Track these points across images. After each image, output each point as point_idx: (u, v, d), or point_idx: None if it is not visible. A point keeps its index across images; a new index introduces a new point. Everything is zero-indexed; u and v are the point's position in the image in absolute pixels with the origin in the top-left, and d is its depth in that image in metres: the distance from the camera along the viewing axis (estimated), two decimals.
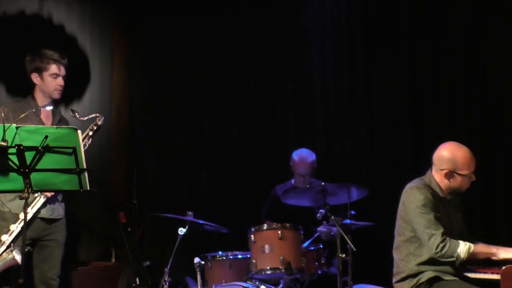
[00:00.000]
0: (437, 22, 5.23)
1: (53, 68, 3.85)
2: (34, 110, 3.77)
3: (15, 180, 2.93)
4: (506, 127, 4.95)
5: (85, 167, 2.96)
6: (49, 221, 3.82)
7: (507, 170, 4.93)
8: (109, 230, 5.59)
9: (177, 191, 5.86)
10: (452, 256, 3.32)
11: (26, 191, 2.91)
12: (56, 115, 3.98)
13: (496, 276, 3.29)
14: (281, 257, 4.04)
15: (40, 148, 2.87)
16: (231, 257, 4.35)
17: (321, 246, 4.36)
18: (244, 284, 4.07)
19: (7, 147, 2.84)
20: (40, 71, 3.84)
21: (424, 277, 3.41)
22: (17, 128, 2.87)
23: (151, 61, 6.01)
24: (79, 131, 2.96)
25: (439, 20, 5.22)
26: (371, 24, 5.44)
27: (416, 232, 3.44)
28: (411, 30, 5.29)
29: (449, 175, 3.46)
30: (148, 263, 5.31)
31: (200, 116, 5.87)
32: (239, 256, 4.36)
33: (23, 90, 4.01)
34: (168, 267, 4.19)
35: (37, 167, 2.90)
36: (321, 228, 4.51)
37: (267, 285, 4.16)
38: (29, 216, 3.50)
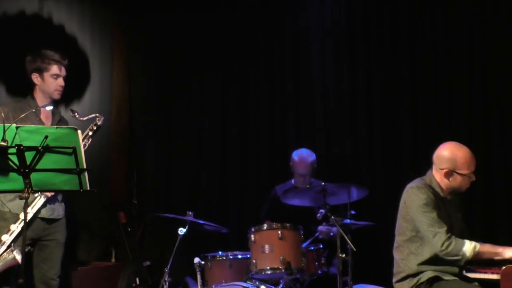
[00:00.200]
0: (437, 22, 5.23)
1: (54, 68, 3.85)
2: (34, 110, 3.78)
3: (15, 180, 2.93)
4: (506, 127, 4.95)
5: (85, 167, 2.96)
6: (49, 221, 3.83)
7: (507, 170, 4.93)
8: (109, 230, 5.59)
9: (177, 191, 5.86)
10: (458, 255, 3.32)
11: (26, 191, 2.91)
12: (55, 115, 3.98)
13: (496, 276, 3.29)
14: (281, 257, 4.04)
15: (40, 148, 2.87)
16: (231, 257, 4.35)
17: (321, 246, 4.36)
18: (244, 284, 4.07)
19: (7, 147, 2.84)
20: (41, 71, 3.84)
21: (424, 276, 3.41)
22: (17, 128, 2.87)
23: (151, 61, 6.01)
24: (79, 131, 2.96)
25: (439, 20, 5.22)
26: (371, 24, 5.44)
27: (417, 232, 3.44)
28: (411, 30, 5.29)
29: (449, 174, 3.46)
30: (148, 263, 5.31)
31: (200, 116, 5.87)
32: (239, 256, 4.36)
33: (23, 90, 4.01)
34: (168, 267, 4.19)
35: (37, 167, 2.90)
36: (321, 228, 4.51)
37: (267, 285, 4.16)
38: (29, 216, 3.50)
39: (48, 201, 3.75)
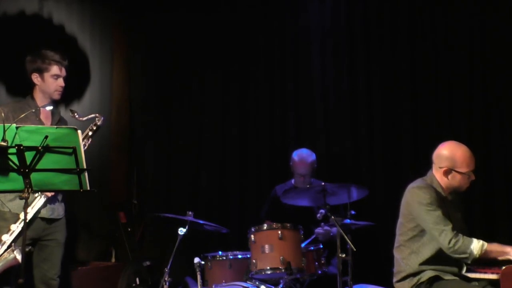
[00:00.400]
0: (437, 22, 5.23)
1: (55, 69, 3.85)
2: (33, 110, 3.77)
3: (15, 180, 2.93)
4: (506, 127, 4.95)
5: (85, 167, 2.96)
6: (49, 221, 3.83)
7: (507, 170, 4.93)
8: (109, 230, 5.59)
9: (177, 191, 5.86)
10: (465, 253, 3.31)
11: (26, 191, 2.91)
12: (55, 115, 3.98)
13: (496, 276, 3.29)
14: (281, 257, 4.04)
15: (40, 148, 2.87)
16: (231, 257, 4.35)
17: (321, 246, 4.36)
18: (244, 284, 4.07)
19: (7, 147, 2.84)
20: (41, 71, 3.84)
21: (425, 276, 3.41)
22: (17, 128, 2.87)
23: (151, 61, 6.01)
24: (79, 131, 2.96)
25: (439, 20, 5.22)
26: (371, 24, 5.44)
27: (418, 231, 3.44)
28: (411, 30, 5.29)
29: (448, 172, 3.47)
30: (148, 263, 5.31)
31: (200, 116, 5.87)
32: (239, 256, 4.36)
33: (23, 90, 4.01)
34: (168, 267, 4.19)
35: (37, 167, 2.90)
36: (318, 230, 4.51)
37: (267, 285, 4.15)
38: (29, 216, 3.50)
39: (48, 201, 3.75)
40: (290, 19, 5.72)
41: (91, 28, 5.56)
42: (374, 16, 5.43)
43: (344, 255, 3.86)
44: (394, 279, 3.57)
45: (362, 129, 5.41)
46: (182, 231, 4.21)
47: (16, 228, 3.54)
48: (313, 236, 4.51)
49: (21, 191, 2.92)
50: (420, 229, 3.45)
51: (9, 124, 2.85)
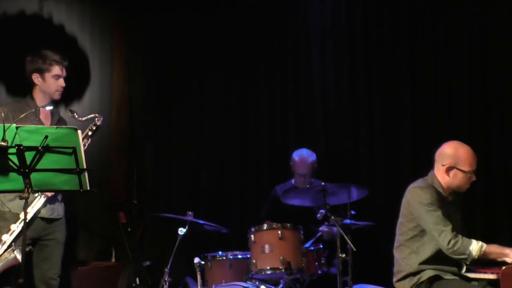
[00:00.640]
0: (437, 22, 5.23)
1: (56, 69, 3.85)
2: (33, 110, 3.77)
3: (15, 180, 2.93)
4: (506, 127, 4.95)
5: (85, 167, 2.96)
6: (49, 220, 3.83)
7: (507, 170, 4.93)
8: (109, 230, 5.60)
9: (177, 191, 5.86)
10: (464, 254, 3.32)
11: (26, 191, 2.91)
12: (54, 115, 3.98)
13: (496, 276, 3.29)
14: (281, 257, 4.04)
15: (40, 148, 2.87)
16: (231, 257, 4.35)
17: (321, 246, 4.36)
18: (244, 284, 4.07)
19: (7, 147, 2.84)
20: (42, 72, 3.83)
21: (425, 275, 3.41)
22: (17, 128, 2.87)
23: (151, 61, 6.01)
24: (79, 131, 2.96)
25: (439, 20, 5.22)
26: (371, 24, 5.44)
27: (419, 231, 3.45)
28: (411, 30, 5.29)
29: (450, 170, 3.47)
30: (148, 263, 5.31)
31: (200, 116, 5.87)
32: (239, 256, 4.36)
33: (23, 90, 4.00)
34: (168, 267, 4.19)
35: (37, 167, 2.90)
36: (323, 228, 4.51)
37: (267, 285, 4.15)
38: (29, 216, 3.50)
39: (48, 201, 3.75)
40: (290, 19, 5.72)
41: (91, 28, 5.56)
42: (374, 16, 5.43)
43: (344, 255, 3.86)
44: (394, 279, 3.57)
45: (362, 129, 5.41)
46: (182, 231, 4.22)
47: (16, 228, 3.54)
48: (318, 234, 4.51)
49: (21, 191, 2.92)
50: (420, 229, 3.45)
51: (9, 124, 2.85)
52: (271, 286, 4.15)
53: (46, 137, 2.88)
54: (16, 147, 2.85)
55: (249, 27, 5.80)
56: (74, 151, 2.91)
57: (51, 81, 3.85)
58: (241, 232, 4.55)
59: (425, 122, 5.21)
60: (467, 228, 3.70)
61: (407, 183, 3.63)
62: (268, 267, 4.07)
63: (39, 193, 3.66)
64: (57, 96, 3.91)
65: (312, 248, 4.30)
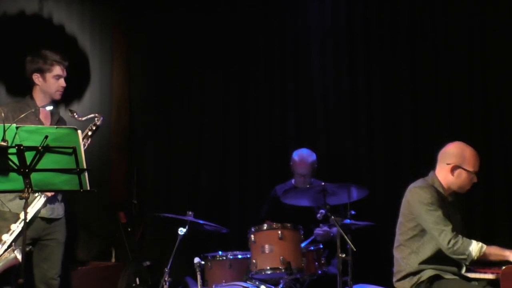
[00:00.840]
0: (437, 22, 5.23)
1: (57, 69, 3.85)
2: (33, 110, 3.77)
3: (15, 180, 2.93)
4: (506, 127, 4.96)
5: (85, 167, 2.96)
6: (49, 220, 3.83)
7: (507, 170, 4.93)
8: (109, 230, 5.59)
9: (177, 191, 5.86)
10: (464, 254, 3.32)
11: (26, 191, 2.91)
12: (54, 115, 3.98)
13: (496, 276, 3.29)
14: (281, 257, 4.04)
15: (40, 148, 2.87)
16: (231, 257, 4.35)
17: (321, 246, 4.36)
18: (244, 284, 4.07)
19: (7, 147, 2.84)
20: (42, 72, 3.83)
21: (425, 275, 3.41)
22: (17, 128, 2.87)
23: (151, 61, 6.01)
24: (79, 131, 2.96)
25: (439, 20, 5.22)
26: (371, 24, 5.44)
27: (419, 231, 3.45)
28: (411, 30, 5.29)
29: (455, 169, 3.48)
30: (148, 263, 5.31)
31: (200, 116, 5.87)
32: (239, 256, 4.35)
33: (23, 90, 4.01)
34: (168, 267, 4.19)
35: (37, 167, 2.90)
36: (317, 231, 4.51)
37: (267, 285, 4.15)
38: (29, 216, 3.50)
39: (48, 201, 3.75)
40: (290, 19, 5.72)
41: (91, 28, 5.56)
42: (374, 16, 5.43)
43: (344, 255, 3.86)
44: (394, 279, 3.57)
45: (362, 129, 5.41)
46: (182, 231, 4.21)
47: (16, 228, 3.54)
48: (312, 237, 4.51)
49: (21, 191, 2.92)
50: (420, 228, 3.46)
51: (9, 124, 2.85)
52: (271, 286, 4.15)
53: (46, 137, 2.88)
54: (16, 147, 2.85)
55: (249, 27, 5.80)
56: (74, 151, 2.91)
57: (51, 81, 3.85)
58: (241, 232, 4.55)
59: (425, 122, 5.21)
60: (466, 228, 3.71)
61: (407, 183, 3.63)
62: (268, 267, 4.07)
63: (39, 193, 3.66)
64: (57, 96, 3.91)
65: (312, 248, 4.30)
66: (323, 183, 4.22)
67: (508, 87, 4.95)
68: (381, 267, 4.66)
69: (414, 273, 3.45)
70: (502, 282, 3.21)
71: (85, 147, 3.74)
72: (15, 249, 3.47)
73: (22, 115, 3.47)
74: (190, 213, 4.29)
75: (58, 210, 3.89)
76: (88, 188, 3.00)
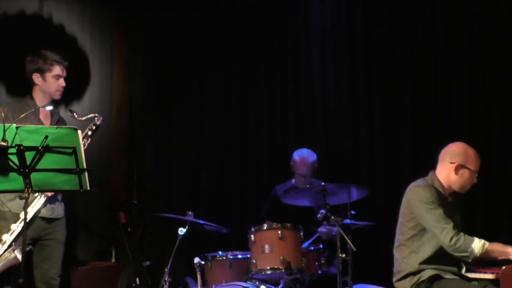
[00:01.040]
0: (437, 22, 5.23)
1: (57, 69, 3.85)
2: (33, 110, 3.77)
3: (15, 180, 2.93)
4: (506, 127, 4.96)
5: (85, 167, 2.96)
6: (49, 220, 3.83)
7: (507, 170, 4.93)
8: (109, 230, 5.59)
9: (177, 191, 5.86)
10: (466, 251, 3.30)
11: (26, 191, 2.90)
12: (54, 115, 3.98)
13: (496, 276, 3.29)
14: (281, 257, 4.04)
15: (40, 148, 2.87)
16: (231, 257, 4.35)
17: (321, 246, 4.36)
18: (244, 284, 4.07)
19: (7, 147, 2.84)
20: (42, 72, 3.83)
21: (425, 275, 3.41)
22: (17, 128, 2.87)
23: (151, 61, 6.01)
24: (79, 131, 2.96)
25: (439, 20, 5.22)
26: (371, 24, 5.44)
27: (419, 231, 3.45)
28: (411, 30, 5.29)
29: (459, 168, 3.49)
30: (148, 263, 5.31)
31: (200, 116, 5.87)
32: (239, 256, 4.35)
33: (23, 90, 4.01)
34: (168, 267, 4.19)
35: (37, 167, 2.90)
36: (321, 229, 4.50)
37: (267, 285, 4.15)
38: (29, 216, 3.50)
39: (48, 201, 3.75)
40: (290, 19, 5.72)
41: (91, 28, 5.56)
42: (374, 16, 5.43)
43: (344, 255, 3.86)
44: (394, 279, 3.57)
45: (362, 129, 5.41)
46: (182, 231, 4.21)
47: (16, 227, 3.54)
48: (316, 235, 4.51)
49: (21, 191, 2.92)
50: (420, 228, 3.46)
51: (9, 124, 2.85)
52: (271, 286, 4.15)
53: (46, 137, 2.87)
54: (16, 147, 2.84)
55: (249, 27, 5.80)
56: (74, 151, 2.91)
57: (51, 81, 3.85)
58: (241, 232, 4.55)
59: (425, 122, 5.21)
60: (466, 229, 3.70)
61: (407, 183, 3.63)
62: (268, 267, 4.07)
63: (39, 193, 3.66)
64: (57, 96, 3.91)
65: (312, 248, 4.30)
66: (323, 183, 4.22)
67: (508, 87, 4.95)
68: (381, 267, 4.66)
69: (414, 273, 3.45)
70: (502, 282, 3.21)
71: (85, 147, 3.73)
72: (15, 249, 3.47)
73: (22, 115, 3.46)
74: (190, 213, 4.29)
75: (58, 210, 3.89)
76: (88, 188, 2.99)
